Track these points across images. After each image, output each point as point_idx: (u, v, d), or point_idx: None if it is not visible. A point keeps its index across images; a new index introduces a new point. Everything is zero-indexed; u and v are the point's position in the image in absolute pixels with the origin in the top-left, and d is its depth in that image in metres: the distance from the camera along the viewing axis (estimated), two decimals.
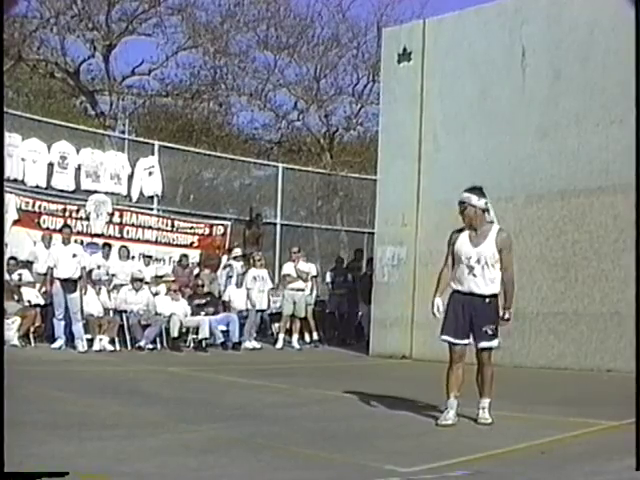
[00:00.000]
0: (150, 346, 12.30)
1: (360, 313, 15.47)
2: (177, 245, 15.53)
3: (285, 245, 17.08)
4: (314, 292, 14.60)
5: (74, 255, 11.71)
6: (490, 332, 5.95)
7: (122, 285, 12.90)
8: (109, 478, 4.20)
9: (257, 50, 24.98)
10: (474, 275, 5.94)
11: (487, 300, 5.95)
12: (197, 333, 12.83)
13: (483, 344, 6.00)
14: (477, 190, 6.09)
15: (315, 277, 14.73)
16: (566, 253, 11.09)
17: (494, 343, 6.01)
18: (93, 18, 22.58)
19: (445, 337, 6.08)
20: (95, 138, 16.02)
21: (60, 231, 12.64)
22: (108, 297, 12.60)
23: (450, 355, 6.10)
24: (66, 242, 11.91)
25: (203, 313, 13.08)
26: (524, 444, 5.25)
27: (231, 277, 14.48)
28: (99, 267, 12.97)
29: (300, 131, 26.69)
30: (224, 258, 15.30)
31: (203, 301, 13.35)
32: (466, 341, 6.05)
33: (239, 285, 13.94)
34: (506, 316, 6.00)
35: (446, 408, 5.98)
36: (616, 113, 10.35)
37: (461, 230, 6.11)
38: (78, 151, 14.76)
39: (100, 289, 12.52)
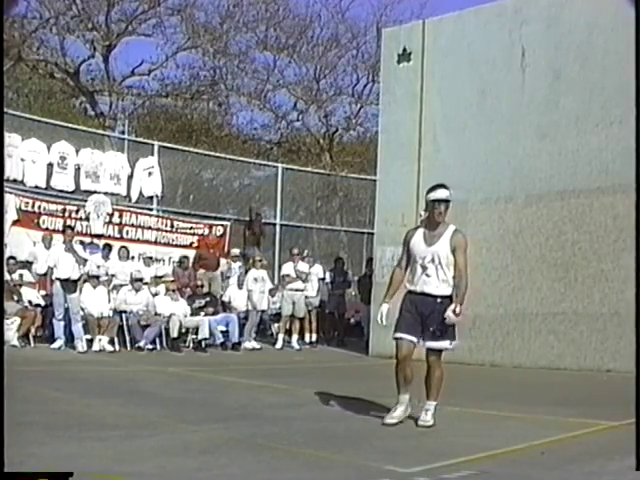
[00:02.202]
0: (150, 346, 12.30)
1: (360, 314, 15.50)
2: (177, 245, 15.53)
3: (285, 245, 17.09)
4: (319, 294, 14.60)
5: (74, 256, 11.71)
6: (438, 332, 5.74)
7: (122, 285, 12.90)
8: (117, 478, 4.20)
9: (256, 50, 25.02)
10: (427, 275, 5.83)
11: (439, 300, 5.80)
12: (197, 333, 12.83)
13: (429, 344, 5.82)
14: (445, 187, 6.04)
15: (322, 279, 14.74)
16: (566, 253, 11.10)
17: (443, 344, 5.80)
18: (93, 18, 22.59)
19: (397, 334, 5.89)
20: (95, 138, 16.03)
21: (63, 232, 12.64)
22: (108, 298, 12.59)
23: (396, 352, 5.90)
24: (68, 243, 11.90)
25: (203, 313, 13.08)
26: (524, 444, 5.24)
27: (229, 277, 14.51)
28: (99, 267, 12.96)
29: (300, 131, 26.71)
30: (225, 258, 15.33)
31: (203, 302, 13.34)
32: (414, 338, 5.84)
33: (240, 286, 13.95)
34: (457, 310, 5.72)
35: (396, 403, 5.90)
36: (616, 114, 10.37)
37: (417, 229, 6.06)
38: (78, 151, 14.77)
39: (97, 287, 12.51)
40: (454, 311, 5.70)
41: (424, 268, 5.82)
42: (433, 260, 5.80)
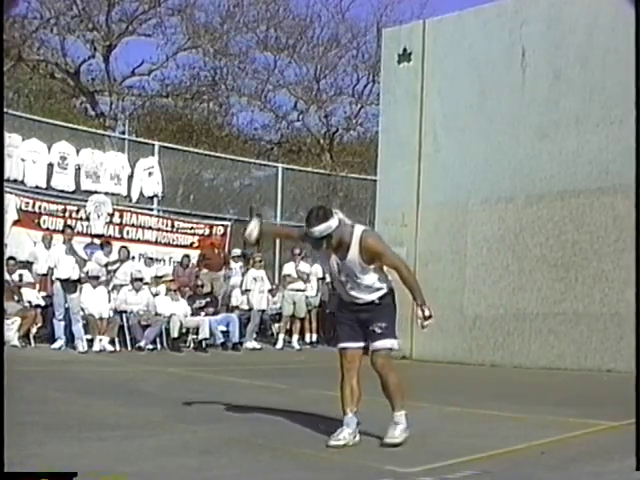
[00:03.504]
0: (150, 346, 12.31)
1: None
2: (177, 245, 15.55)
3: (285, 245, 17.08)
4: (319, 294, 14.59)
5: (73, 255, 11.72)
6: (379, 330, 5.08)
7: (122, 285, 12.91)
8: (120, 477, 4.21)
9: (257, 51, 24.98)
10: (350, 288, 5.12)
11: (377, 302, 5.12)
12: (197, 333, 12.84)
13: (373, 345, 5.11)
14: (324, 212, 5.04)
15: (322, 279, 14.74)
16: (566, 253, 11.10)
17: (386, 343, 5.10)
18: (93, 19, 22.57)
19: (340, 345, 5.22)
20: (95, 138, 16.04)
21: (62, 232, 12.66)
22: (108, 298, 12.60)
23: (340, 363, 5.19)
24: (67, 242, 11.91)
25: (203, 313, 13.09)
26: (524, 444, 5.24)
27: (230, 278, 14.52)
28: (106, 265, 13.00)
29: (300, 131, 26.68)
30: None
31: (203, 302, 13.35)
32: (357, 344, 5.14)
33: (240, 286, 13.98)
34: (426, 313, 5.01)
35: (341, 426, 5.11)
36: (616, 113, 10.37)
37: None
38: (78, 151, 14.78)
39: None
40: (424, 316, 5.02)
41: (343, 283, 5.15)
42: (348, 275, 5.08)
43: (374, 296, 5.12)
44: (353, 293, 5.13)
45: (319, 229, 4.94)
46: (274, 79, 25.20)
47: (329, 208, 5.19)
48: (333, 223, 4.97)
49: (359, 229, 5.10)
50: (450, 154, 12.26)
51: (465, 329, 11.81)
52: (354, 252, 5.01)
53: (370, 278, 5.08)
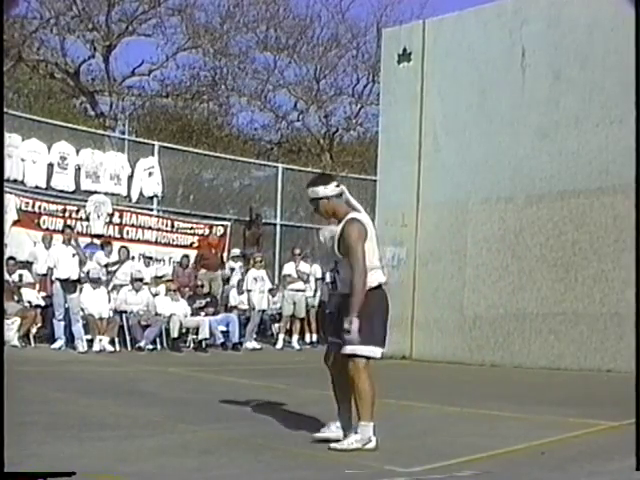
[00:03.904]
0: (150, 346, 12.31)
1: None
2: (177, 245, 15.55)
3: (285, 245, 17.09)
4: (318, 293, 14.61)
5: (74, 255, 11.72)
6: (344, 332, 4.80)
7: (122, 285, 12.91)
8: (117, 478, 4.21)
9: (257, 51, 25.04)
10: (337, 271, 5.02)
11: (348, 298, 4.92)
12: (197, 333, 12.84)
13: (344, 347, 4.88)
14: (322, 178, 5.31)
15: (321, 279, 14.74)
16: (566, 253, 11.09)
17: (354, 348, 4.82)
18: (93, 19, 22.60)
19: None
20: (95, 139, 16.05)
21: (62, 232, 12.66)
22: (108, 298, 12.60)
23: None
24: (67, 242, 11.92)
25: (203, 313, 13.09)
26: (524, 444, 5.23)
27: (230, 278, 14.53)
28: (106, 265, 13.00)
29: (300, 132, 26.71)
30: (225, 258, 15.35)
31: (203, 302, 13.35)
32: (334, 339, 5.04)
33: (238, 286, 13.98)
34: (345, 325, 4.75)
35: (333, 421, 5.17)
36: (616, 113, 10.36)
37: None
38: (78, 152, 14.80)
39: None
40: (344, 329, 4.76)
41: (335, 263, 5.06)
42: (339, 256, 4.97)
43: (346, 290, 4.90)
44: (338, 277, 5.01)
45: (308, 190, 5.13)
46: (274, 79, 25.24)
47: (330, 179, 5.25)
48: (321, 191, 5.03)
49: (352, 214, 4.97)
50: (450, 154, 12.25)
51: (465, 329, 11.80)
52: (337, 231, 4.97)
53: (344, 271, 4.93)
